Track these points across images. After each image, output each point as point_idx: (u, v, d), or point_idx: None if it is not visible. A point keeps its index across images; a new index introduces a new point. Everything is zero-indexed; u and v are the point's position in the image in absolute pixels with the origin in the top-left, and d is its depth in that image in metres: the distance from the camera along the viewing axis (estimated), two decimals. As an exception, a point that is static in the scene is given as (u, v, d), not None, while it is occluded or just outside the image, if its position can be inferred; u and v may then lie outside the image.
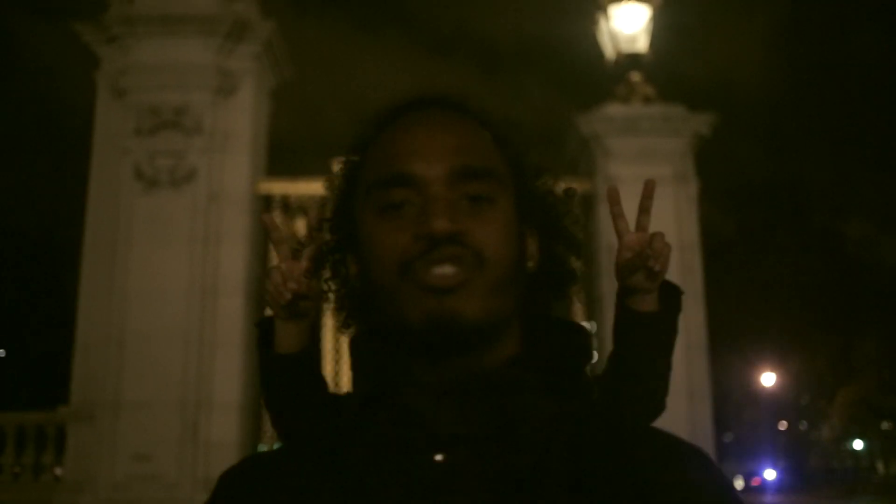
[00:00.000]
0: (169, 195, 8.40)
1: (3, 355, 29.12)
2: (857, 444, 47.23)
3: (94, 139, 9.02)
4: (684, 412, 8.69)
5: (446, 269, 0.91)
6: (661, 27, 9.92)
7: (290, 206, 8.81)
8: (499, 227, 0.96)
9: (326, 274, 1.08)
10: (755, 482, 45.57)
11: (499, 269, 0.95)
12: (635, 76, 9.49)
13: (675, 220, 9.09)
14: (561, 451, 0.92)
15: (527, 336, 1.01)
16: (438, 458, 0.90)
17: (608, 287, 8.89)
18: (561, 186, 1.12)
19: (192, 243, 8.26)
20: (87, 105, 9.40)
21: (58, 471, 8.58)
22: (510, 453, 0.90)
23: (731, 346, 33.02)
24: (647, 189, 1.16)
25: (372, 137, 1.04)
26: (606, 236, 8.97)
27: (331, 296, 1.08)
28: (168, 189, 8.41)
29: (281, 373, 1.17)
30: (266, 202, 8.82)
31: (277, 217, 7.81)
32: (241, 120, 8.77)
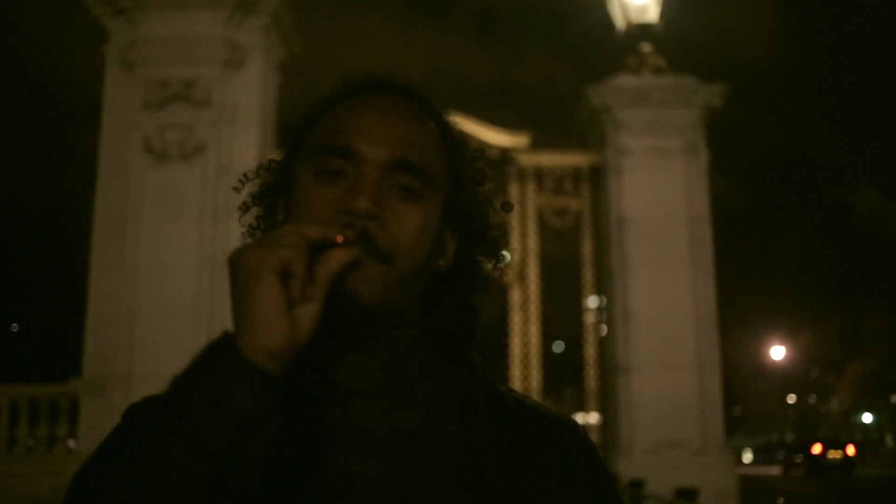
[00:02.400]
0: (178, 168, 8.41)
1: (15, 329, 29.33)
2: (867, 418, 47.32)
3: (103, 113, 9.02)
4: (694, 384, 8.71)
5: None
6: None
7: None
8: (417, 223, 1.00)
9: (258, 212, 1.11)
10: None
11: (406, 264, 0.98)
12: (646, 47, 9.43)
13: (686, 192, 9.07)
14: (449, 410, 1.00)
15: (424, 311, 1.06)
16: (338, 411, 0.96)
17: (618, 260, 8.88)
18: (499, 198, 1.16)
19: (201, 217, 8.28)
20: (95, 79, 9.39)
21: (70, 443, 8.66)
22: (403, 409, 0.97)
23: (740, 320, 33.02)
24: None
25: (331, 103, 1.08)
26: (616, 209, 8.96)
27: (256, 233, 1.11)
28: (177, 162, 8.42)
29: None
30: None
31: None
32: (250, 93, 8.75)
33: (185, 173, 8.41)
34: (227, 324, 0.90)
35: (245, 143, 8.57)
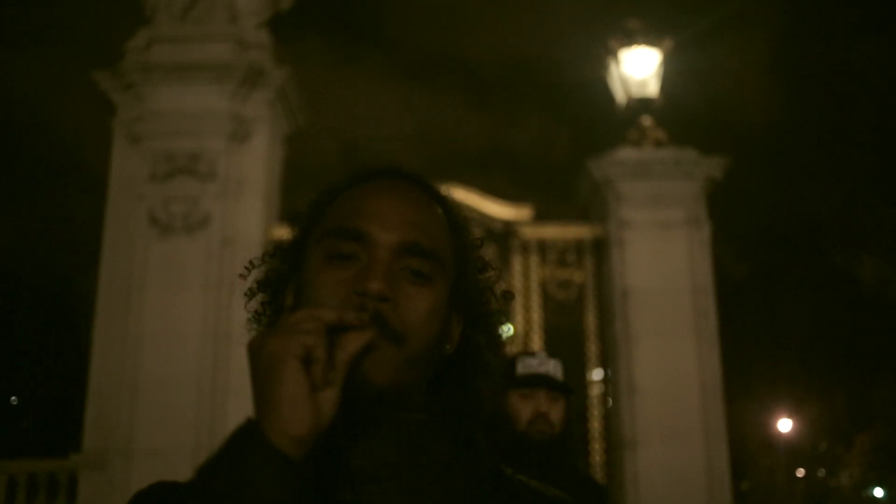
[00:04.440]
0: (183, 241, 8.46)
1: (15, 402, 29.10)
2: (878, 492, 46.51)
3: (110, 185, 9.11)
4: (701, 457, 8.59)
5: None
6: (672, 71, 9.99)
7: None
8: (428, 305, 1.02)
9: (264, 298, 1.13)
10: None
11: (416, 345, 1.01)
12: (646, 120, 9.55)
13: (689, 264, 9.08)
14: (456, 495, 1.02)
15: (430, 394, 1.09)
16: (349, 496, 0.98)
17: (622, 331, 8.85)
18: (501, 285, 1.21)
19: (205, 289, 8.29)
20: (102, 152, 9.51)
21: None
22: (412, 494, 0.99)
23: (746, 391, 32.69)
24: None
25: (341, 189, 1.12)
26: (619, 281, 8.96)
27: (263, 319, 1.12)
28: (182, 235, 8.46)
29: None
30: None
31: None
32: (255, 166, 8.85)
33: (190, 245, 8.45)
34: (230, 397, 0.90)
35: (250, 216, 8.64)
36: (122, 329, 8.35)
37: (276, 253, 1.17)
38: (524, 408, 3.01)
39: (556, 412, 3.04)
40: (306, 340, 0.87)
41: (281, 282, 1.13)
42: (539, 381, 3.05)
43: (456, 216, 1.15)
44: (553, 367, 3.13)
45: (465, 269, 1.12)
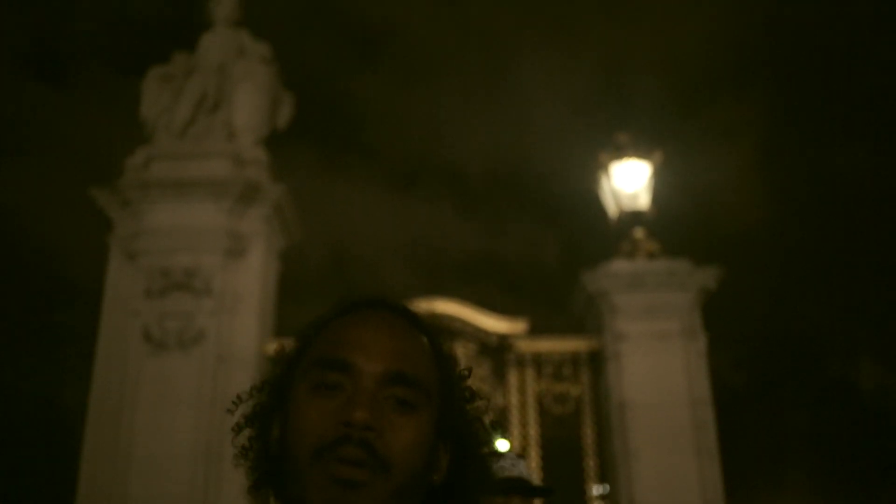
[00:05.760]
0: (177, 357, 8.41)
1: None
2: None
3: (104, 301, 9.11)
4: (705, 578, 8.34)
5: (354, 471, 0.99)
6: (663, 182, 10.15)
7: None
8: (413, 435, 1.03)
9: (251, 433, 1.13)
10: None
11: (403, 476, 1.01)
12: (639, 232, 9.65)
13: (686, 375, 9.02)
14: None
15: None
16: None
17: (620, 446, 8.72)
18: (489, 416, 1.21)
19: (198, 406, 8.20)
20: (97, 267, 9.54)
21: None
22: None
23: (748, 503, 32.00)
24: None
25: (325, 322, 1.13)
26: (616, 394, 8.88)
27: (250, 454, 1.12)
28: (176, 351, 8.42)
29: None
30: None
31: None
32: (251, 281, 8.88)
33: (184, 362, 8.39)
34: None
35: (244, 332, 8.61)
36: (112, 447, 8.21)
37: (264, 387, 1.18)
38: None
39: None
40: None
41: (267, 416, 1.13)
42: (513, 487, 2.93)
43: (441, 345, 1.16)
44: (525, 469, 3.03)
45: (450, 397, 1.12)
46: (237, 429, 1.16)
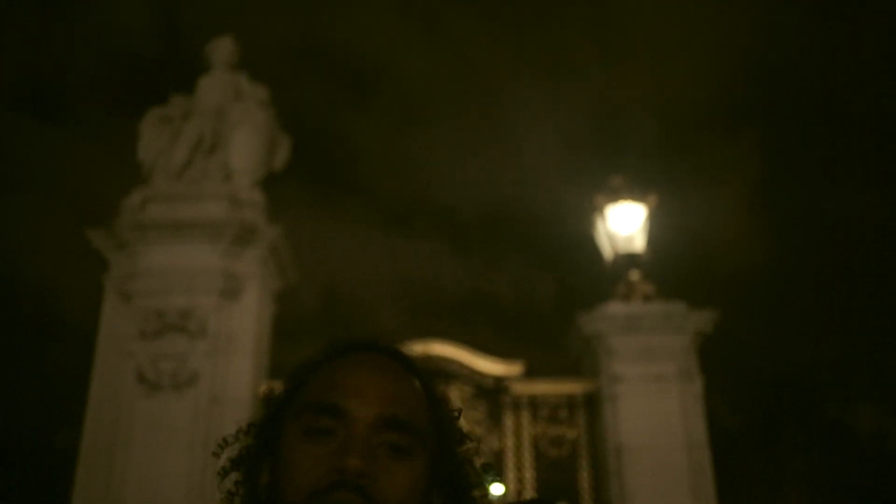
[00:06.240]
0: (170, 399, 8.35)
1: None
2: None
3: (98, 342, 9.06)
4: None
5: None
6: (658, 225, 10.18)
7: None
8: (407, 480, 1.02)
9: (237, 477, 1.11)
10: None
11: None
12: (634, 275, 9.65)
13: (682, 418, 8.97)
14: None
15: None
16: None
17: (617, 491, 8.65)
18: (479, 459, 1.20)
19: (191, 447, 8.12)
20: (92, 308, 9.51)
21: None
22: None
23: (748, 549, 31.61)
24: None
25: (317, 364, 1.12)
26: (613, 437, 8.82)
27: (236, 499, 1.10)
28: (170, 393, 8.36)
29: None
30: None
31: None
32: (245, 323, 8.85)
33: (177, 403, 8.33)
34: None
35: (238, 373, 8.56)
36: (103, 490, 8.12)
37: (250, 430, 1.16)
38: None
39: None
40: None
41: (255, 460, 1.12)
42: None
43: (433, 388, 1.15)
44: None
45: (443, 441, 1.11)
46: (223, 473, 1.14)
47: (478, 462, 1.20)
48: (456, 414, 1.19)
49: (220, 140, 9.73)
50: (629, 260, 9.76)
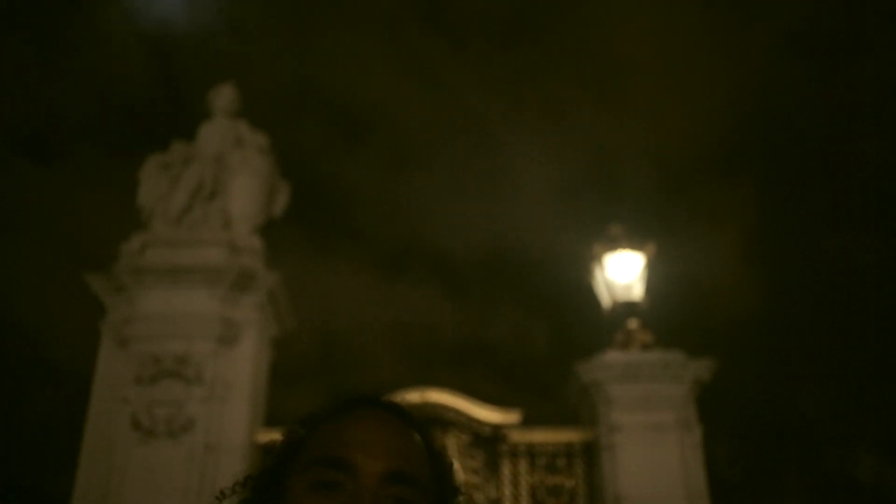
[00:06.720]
0: (165, 446, 8.29)
1: None
2: None
3: (94, 387, 9.01)
4: None
5: None
6: (656, 273, 10.20)
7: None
8: None
9: None
10: None
11: None
12: (632, 323, 9.65)
13: (682, 468, 8.90)
14: None
15: None
16: None
17: (616, 541, 8.55)
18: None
19: (185, 495, 8.05)
20: (82, 350, 9.49)
21: None
22: None
23: None
24: None
25: (320, 420, 1.14)
26: (611, 487, 8.75)
27: None
28: (165, 439, 8.31)
29: None
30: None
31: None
32: (242, 370, 8.82)
33: (172, 450, 8.27)
34: None
35: (235, 421, 8.51)
36: (96, 539, 8.02)
37: (247, 483, 1.17)
38: None
39: None
40: None
41: None
42: None
43: (432, 441, 1.18)
44: None
45: (443, 493, 1.13)
46: None
47: None
48: (451, 463, 1.22)
49: (220, 186, 9.78)
50: (627, 308, 9.77)
